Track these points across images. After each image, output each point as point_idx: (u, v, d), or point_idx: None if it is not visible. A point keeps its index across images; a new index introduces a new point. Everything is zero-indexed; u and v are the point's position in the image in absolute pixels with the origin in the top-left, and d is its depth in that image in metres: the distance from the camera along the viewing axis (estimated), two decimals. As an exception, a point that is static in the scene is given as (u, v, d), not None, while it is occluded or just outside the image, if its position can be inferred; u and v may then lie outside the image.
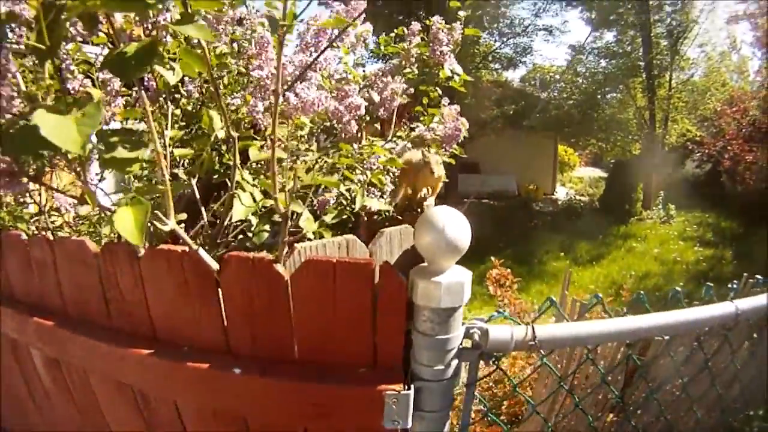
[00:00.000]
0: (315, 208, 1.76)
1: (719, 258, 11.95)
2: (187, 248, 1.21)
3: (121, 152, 0.99)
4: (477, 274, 11.13)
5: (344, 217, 1.71)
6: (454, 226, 1.08)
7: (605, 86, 17.42)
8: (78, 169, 1.10)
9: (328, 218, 1.62)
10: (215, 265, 1.21)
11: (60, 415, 1.75)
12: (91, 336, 1.42)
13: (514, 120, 16.88)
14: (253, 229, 1.55)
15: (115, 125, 1.99)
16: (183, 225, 1.76)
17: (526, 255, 12.34)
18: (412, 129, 2.56)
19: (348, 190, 1.81)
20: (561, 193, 18.91)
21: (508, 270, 4.41)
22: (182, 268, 1.27)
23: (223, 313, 1.26)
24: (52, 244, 1.52)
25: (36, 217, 2.24)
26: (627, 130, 17.42)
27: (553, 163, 19.27)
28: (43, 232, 2.11)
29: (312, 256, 1.12)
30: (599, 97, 17.57)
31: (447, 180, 2.32)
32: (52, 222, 2.24)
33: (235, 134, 1.19)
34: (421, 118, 2.57)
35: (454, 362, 1.17)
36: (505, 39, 18.43)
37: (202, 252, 1.20)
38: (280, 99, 1.58)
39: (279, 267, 1.15)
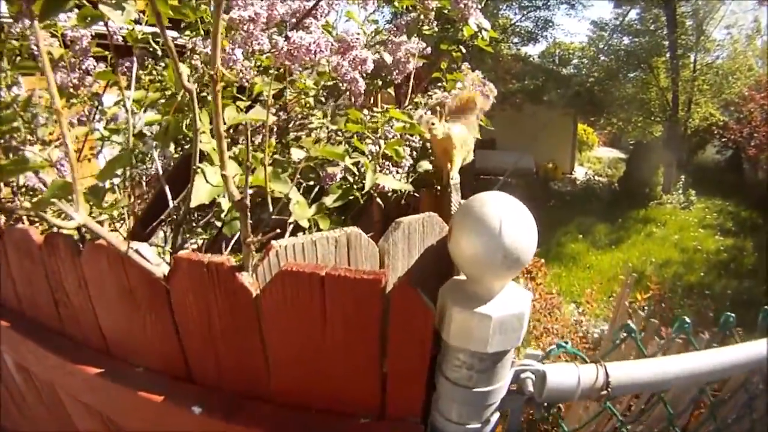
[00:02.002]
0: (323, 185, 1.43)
1: (740, 248, 11.55)
2: (132, 245, 0.87)
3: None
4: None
5: (351, 198, 1.33)
6: (516, 224, 0.70)
7: (627, 64, 16.80)
8: None
9: (328, 200, 1.25)
10: (159, 270, 0.87)
11: (38, 418, 1.51)
12: (41, 344, 1.16)
13: (533, 96, 16.38)
14: (224, 216, 1.17)
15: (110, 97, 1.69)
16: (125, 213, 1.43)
17: (543, 236, 11.89)
18: (431, 96, 2.23)
19: (357, 164, 1.46)
20: (579, 173, 18.39)
21: (542, 260, 4.01)
22: (125, 270, 0.94)
23: (179, 332, 0.94)
24: (2, 232, 1.24)
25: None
26: (649, 111, 16.85)
27: (572, 142, 18.66)
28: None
29: (289, 265, 0.76)
30: (621, 75, 16.97)
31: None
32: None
33: (191, 86, 0.82)
34: (441, 84, 2.24)
35: (495, 416, 0.82)
36: (525, 12, 17.91)
37: (145, 250, 0.86)
38: (265, 43, 1.24)
39: (244, 277, 0.80)
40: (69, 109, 1.66)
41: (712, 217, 13.61)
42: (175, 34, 1.84)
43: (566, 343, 0.91)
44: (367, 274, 0.72)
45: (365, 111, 1.77)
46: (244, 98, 1.39)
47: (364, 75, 1.51)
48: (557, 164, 17.18)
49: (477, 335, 0.72)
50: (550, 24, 18.10)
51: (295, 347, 0.84)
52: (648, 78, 16.69)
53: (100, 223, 1.40)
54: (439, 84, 2.24)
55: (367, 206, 1.64)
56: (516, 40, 18.55)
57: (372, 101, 2.21)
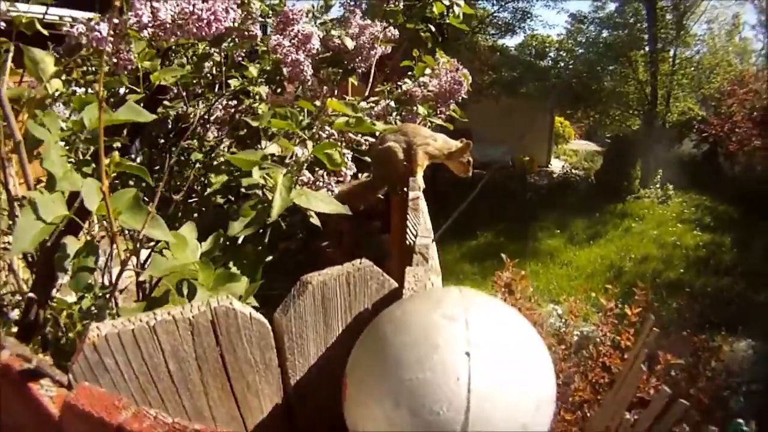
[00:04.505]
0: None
1: (718, 244, 11.60)
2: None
3: None
4: (467, 251, 10.60)
5: (267, 223, 0.98)
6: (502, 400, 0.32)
7: (606, 57, 16.66)
8: None
9: (235, 227, 0.90)
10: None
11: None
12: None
13: (509, 88, 16.14)
14: (68, 263, 0.80)
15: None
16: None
17: (520, 231, 11.93)
18: (398, 86, 1.95)
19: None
20: (556, 166, 18.23)
21: (523, 272, 3.71)
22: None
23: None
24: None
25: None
26: (627, 105, 16.79)
27: (548, 135, 18.44)
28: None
29: (76, 397, 0.43)
30: (599, 68, 16.82)
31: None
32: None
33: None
34: (411, 73, 1.96)
35: None
36: (503, 3, 17.65)
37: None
38: (145, 15, 0.90)
39: (42, 389, 0.48)
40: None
41: (690, 212, 13.60)
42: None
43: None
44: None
45: (317, 103, 1.48)
46: (138, 90, 1.06)
47: (311, 56, 1.23)
48: (534, 157, 16.99)
49: None
50: (528, 15, 17.88)
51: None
52: (627, 71, 16.70)
53: None
54: (410, 73, 1.97)
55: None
56: (493, 31, 18.30)
57: (335, 92, 1.92)
